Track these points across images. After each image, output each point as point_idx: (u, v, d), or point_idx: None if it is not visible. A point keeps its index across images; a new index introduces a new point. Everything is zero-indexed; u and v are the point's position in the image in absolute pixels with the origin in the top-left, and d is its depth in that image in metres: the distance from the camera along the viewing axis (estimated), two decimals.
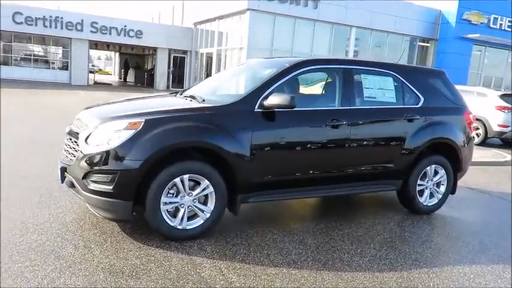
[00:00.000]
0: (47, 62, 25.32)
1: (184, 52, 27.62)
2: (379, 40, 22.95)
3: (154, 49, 28.21)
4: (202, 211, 3.65)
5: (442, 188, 4.98)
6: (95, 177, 3.42)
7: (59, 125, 9.38)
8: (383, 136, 4.46)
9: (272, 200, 4.11)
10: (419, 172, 4.76)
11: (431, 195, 4.95)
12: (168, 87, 27.65)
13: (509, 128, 11.36)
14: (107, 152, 3.38)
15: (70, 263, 3.06)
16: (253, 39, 19.61)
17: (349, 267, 3.39)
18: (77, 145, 3.61)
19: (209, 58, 24.91)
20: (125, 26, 24.96)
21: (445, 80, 5.11)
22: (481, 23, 23.40)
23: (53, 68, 25.30)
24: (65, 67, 25.11)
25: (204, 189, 3.61)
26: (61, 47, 25.13)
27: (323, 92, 4.73)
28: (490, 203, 5.88)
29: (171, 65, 27.81)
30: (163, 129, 3.44)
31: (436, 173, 4.91)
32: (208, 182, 3.59)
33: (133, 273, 2.99)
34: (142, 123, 3.42)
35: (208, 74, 25.06)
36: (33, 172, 5.28)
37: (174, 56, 27.78)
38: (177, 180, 3.49)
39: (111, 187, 3.35)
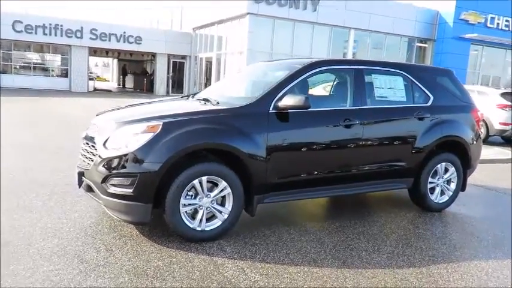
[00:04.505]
0: (46, 69, 25.37)
1: (184, 57, 27.69)
2: (377, 41, 23.05)
3: (153, 54, 28.25)
4: (220, 212, 3.68)
5: (453, 185, 5.03)
6: (114, 180, 3.46)
7: (63, 132, 9.42)
8: (395, 135, 4.51)
9: (287, 200, 4.14)
10: (430, 170, 4.80)
11: (442, 193, 4.99)
12: (168, 92, 27.70)
13: (510, 126, 11.43)
14: (126, 156, 3.41)
15: (94, 266, 3.09)
16: (253, 43, 19.68)
17: (368, 264, 3.43)
18: (95, 149, 3.65)
19: (208, 63, 24.98)
20: (124, 32, 25.02)
21: (452, 78, 5.16)
22: (478, 22, 23.50)
23: (53, 76, 25.32)
24: (65, 74, 25.15)
25: (221, 191, 3.64)
26: (61, 55, 25.17)
27: (335, 93, 4.77)
28: (497, 199, 5.93)
29: (171, 70, 27.89)
30: (181, 132, 3.47)
31: (446, 170, 4.95)
32: (226, 183, 3.63)
33: (158, 275, 3.02)
34: (161, 126, 3.45)
35: (208, 79, 25.14)
36: (44, 178, 5.30)
37: (173, 61, 27.86)
38: (196, 182, 3.53)
39: (131, 190, 3.39)
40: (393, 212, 4.91)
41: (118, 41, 25.02)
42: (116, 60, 44.79)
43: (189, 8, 27.46)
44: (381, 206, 5.17)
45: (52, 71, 25.52)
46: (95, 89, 28.20)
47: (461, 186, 5.11)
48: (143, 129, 3.47)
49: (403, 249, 3.80)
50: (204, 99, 4.34)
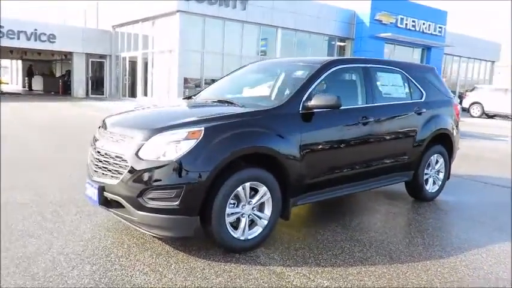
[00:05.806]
0: None
1: (102, 56, 26.06)
2: (302, 40, 23.84)
3: (65, 54, 26.18)
4: (260, 218, 3.52)
5: (441, 175, 5.37)
6: (153, 193, 3.12)
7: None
8: (401, 130, 4.68)
9: (316, 200, 4.08)
10: (426, 162, 5.08)
11: (434, 183, 5.31)
12: (87, 94, 25.91)
13: None
14: (167, 165, 3.10)
15: None
16: (184, 41, 19.18)
17: (412, 257, 3.52)
18: (123, 161, 3.26)
19: (132, 62, 23.83)
20: (35, 29, 22.82)
21: (436, 75, 5.51)
22: (391, 23, 25.46)
23: None
24: None
25: (262, 196, 3.48)
26: None
27: (348, 91, 4.80)
28: (468, 185, 6.47)
29: (89, 70, 26.11)
30: (224, 137, 3.25)
31: (437, 161, 5.27)
32: (266, 189, 3.47)
33: None
34: (203, 132, 3.19)
35: (132, 79, 23.98)
36: (18, 196, 4.64)
37: (91, 61, 26.10)
38: (240, 189, 3.33)
39: (176, 203, 3.09)
40: (392, 204, 5.10)
41: (28, 39, 22.75)
42: (16, 61, 40.82)
43: (105, 4, 25.85)
44: (375, 200, 5.31)
45: None
46: (2, 93, 25.40)
47: (447, 175, 5.48)
48: (184, 135, 3.18)
49: (430, 239, 3.96)
50: (222, 101, 4.11)
